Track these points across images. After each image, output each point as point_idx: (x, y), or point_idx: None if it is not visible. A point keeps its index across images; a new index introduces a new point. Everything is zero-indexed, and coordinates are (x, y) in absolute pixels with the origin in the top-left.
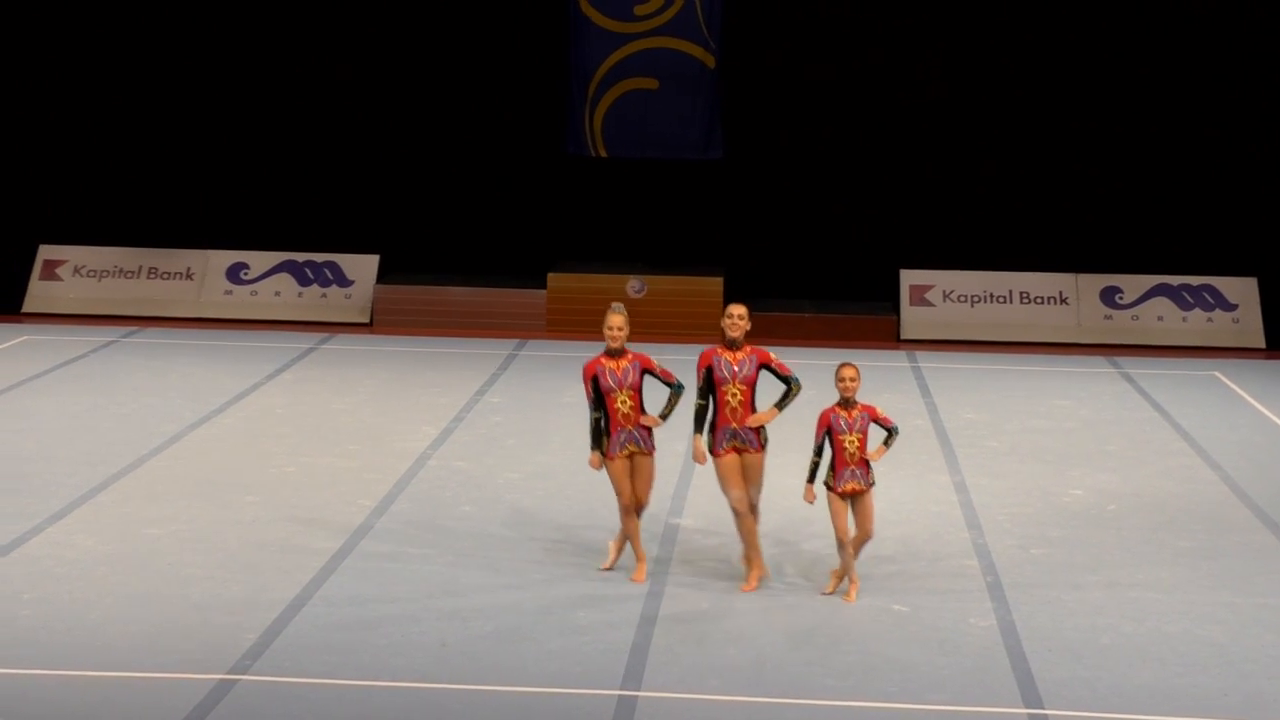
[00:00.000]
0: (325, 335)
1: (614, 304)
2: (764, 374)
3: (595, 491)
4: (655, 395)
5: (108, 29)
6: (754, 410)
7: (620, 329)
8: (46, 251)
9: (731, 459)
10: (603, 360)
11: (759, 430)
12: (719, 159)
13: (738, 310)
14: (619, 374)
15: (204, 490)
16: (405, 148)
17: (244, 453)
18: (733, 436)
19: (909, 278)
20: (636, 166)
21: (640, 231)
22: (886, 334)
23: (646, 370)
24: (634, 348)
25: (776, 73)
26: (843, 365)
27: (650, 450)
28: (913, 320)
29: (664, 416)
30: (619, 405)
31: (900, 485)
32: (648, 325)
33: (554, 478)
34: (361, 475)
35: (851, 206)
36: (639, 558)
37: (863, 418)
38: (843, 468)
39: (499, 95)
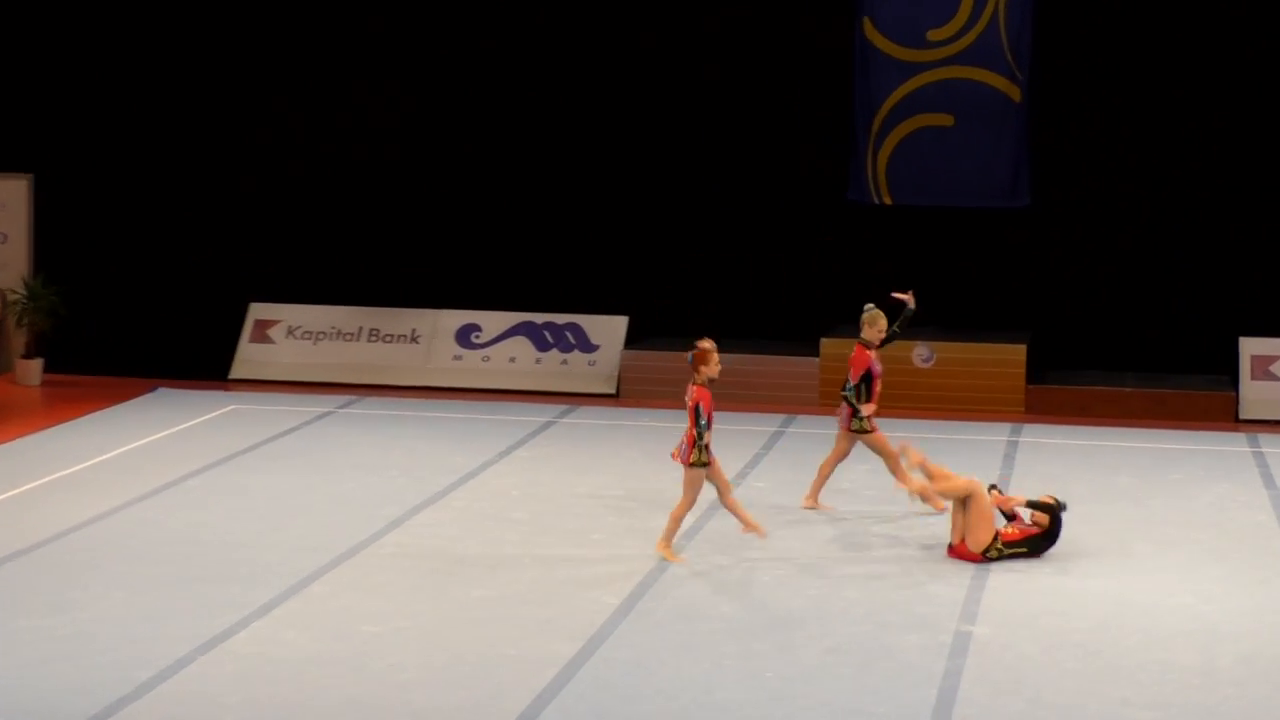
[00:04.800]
0: (566, 407)
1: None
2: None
3: (875, 591)
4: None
5: (318, 61)
6: None
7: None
8: (257, 310)
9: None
10: (869, 353)
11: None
12: (1025, 207)
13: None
14: (879, 362)
15: (428, 582)
16: (658, 194)
17: (474, 540)
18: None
19: (1250, 347)
20: (926, 215)
21: (930, 291)
22: (1223, 413)
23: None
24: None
25: (1093, 106)
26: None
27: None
28: (1255, 397)
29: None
30: (879, 389)
31: (1240, 593)
32: (938, 399)
33: (826, 576)
34: (607, 567)
35: (1182, 262)
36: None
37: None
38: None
39: (768, 134)
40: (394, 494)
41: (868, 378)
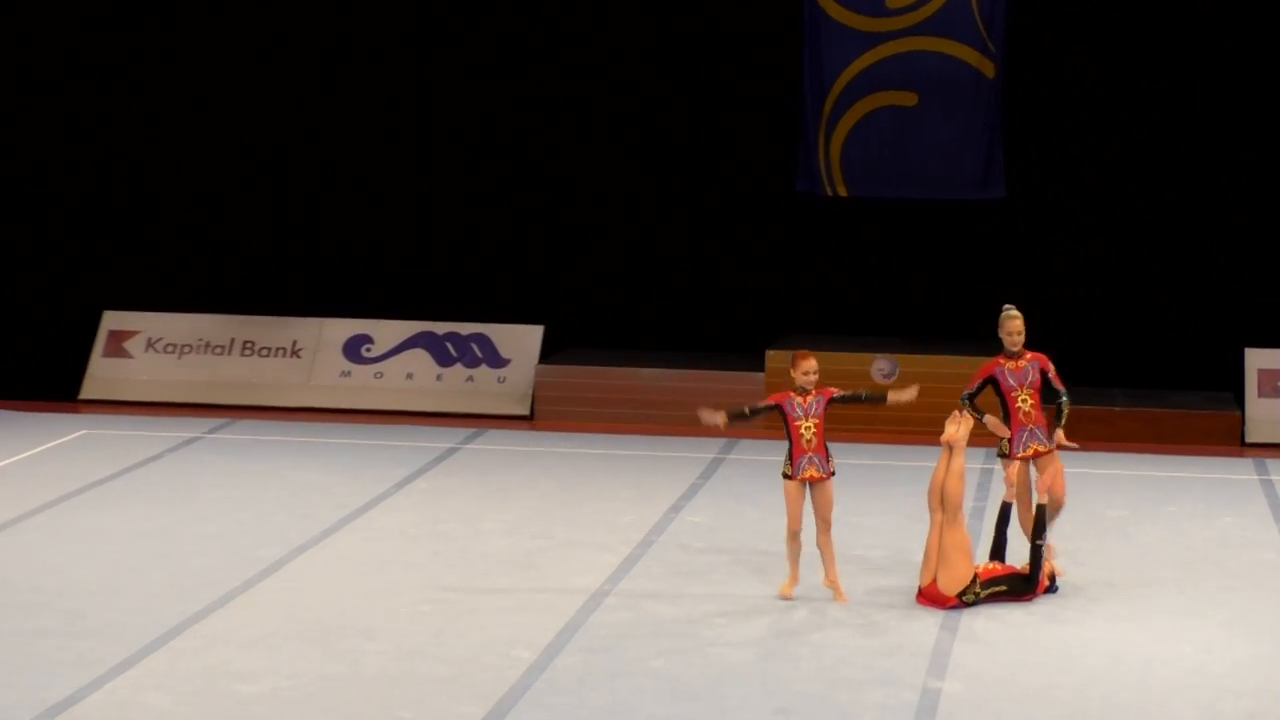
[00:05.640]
0: (472, 431)
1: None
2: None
3: (830, 642)
4: None
5: (192, 37)
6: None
7: (1020, 332)
8: (112, 320)
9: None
10: (1001, 361)
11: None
12: (1000, 199)
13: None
14: (1019, 373)
15: (313, 635)
16: (579, 185)
17: (365, 586)
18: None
19: (1257, 359)
20: (886, 209)
21: (892, 295)
22: (1227, 435)
23: (1044, 371)
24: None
25: (1077, 84)
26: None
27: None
28: (1263, 417)
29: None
30: (1019, 404)
31: (1247, 642)
32: (900, 420)
33: (774, 625)
34: (518, 617)
35: (1179, 263)
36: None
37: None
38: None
39: (704, 116)
40: (272, 533)
41: (995, 386)
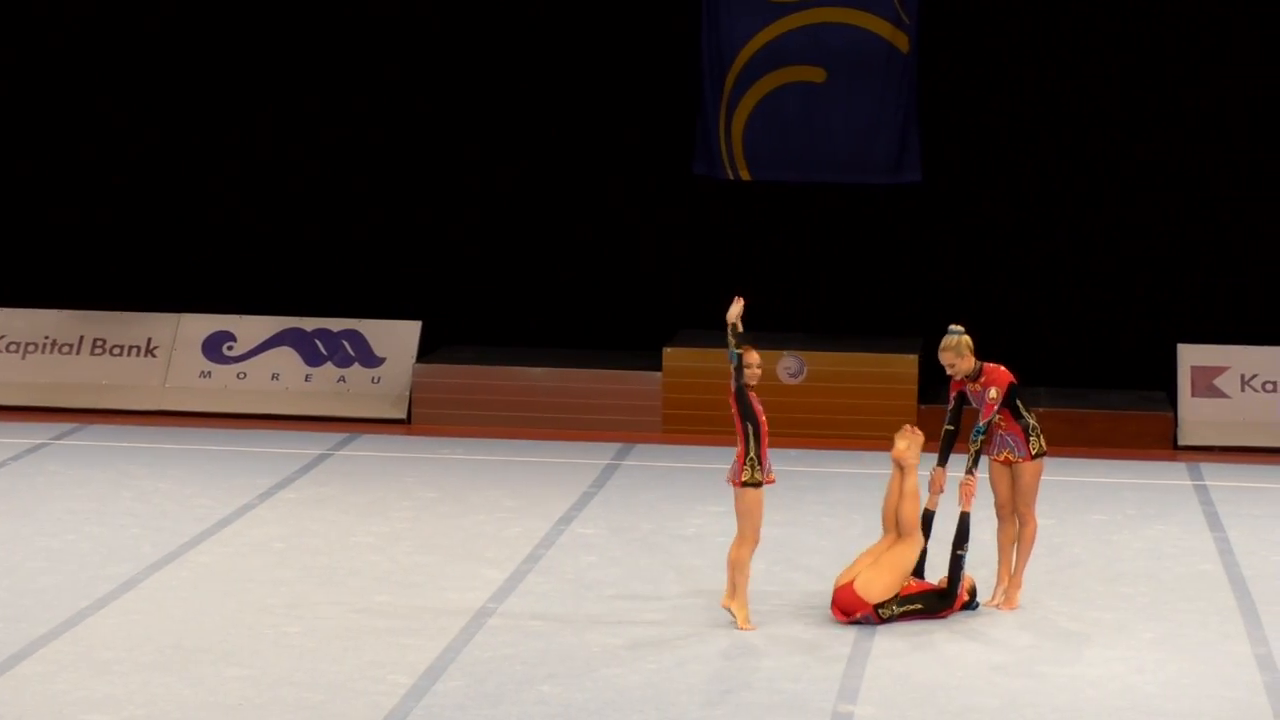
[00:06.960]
0: (344, 436)
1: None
2: None
3: (731, 665)
4: None
5: (42, 13)
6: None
7: (951, 365)
8: None
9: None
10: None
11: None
12: (916, 184)
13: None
14: (975, 396)
15: (168, 660)
16: (458, 170)
17: (227, 605)
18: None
19: (1190, 356)
20: (793, 194)
21: (799, 289)
22: (1158, 438)
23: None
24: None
25: (999, 60)
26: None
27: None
28: (1196, 418)
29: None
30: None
31: (1182, 657)
32: (809, 424)
33: (671, 645)
34: (395, 639)
35: (1107, 253)
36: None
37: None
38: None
39: (592, 93)
40: (125, 548)
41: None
